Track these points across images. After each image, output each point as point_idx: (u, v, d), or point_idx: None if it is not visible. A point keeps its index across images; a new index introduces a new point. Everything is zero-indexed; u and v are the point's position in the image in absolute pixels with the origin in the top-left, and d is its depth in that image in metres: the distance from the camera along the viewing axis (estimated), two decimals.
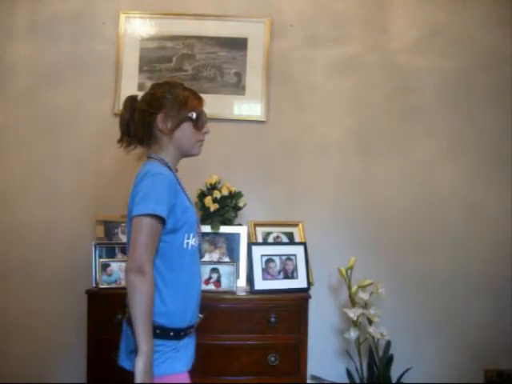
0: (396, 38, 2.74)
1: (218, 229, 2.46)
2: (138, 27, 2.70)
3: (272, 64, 2.70)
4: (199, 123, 1.61)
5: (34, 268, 2.60)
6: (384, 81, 2.72)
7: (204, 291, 2.23)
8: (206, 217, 2.48)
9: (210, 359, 2.15)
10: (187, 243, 1.53)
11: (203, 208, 2.49)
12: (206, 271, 2.28)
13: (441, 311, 2.64)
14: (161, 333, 1.46)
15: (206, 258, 2.42)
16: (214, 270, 2.29)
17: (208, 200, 2.46)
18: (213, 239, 2.46)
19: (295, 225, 2.58)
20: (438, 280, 2.66)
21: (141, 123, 1.59)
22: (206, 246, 2.46)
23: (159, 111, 1.56)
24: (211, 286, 2.26)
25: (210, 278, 2.28)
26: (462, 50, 2.73)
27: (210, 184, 2.52)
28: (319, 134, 2.71)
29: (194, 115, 1.59)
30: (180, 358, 1.50)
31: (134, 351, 1.38)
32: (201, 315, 1.61)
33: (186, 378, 1.50)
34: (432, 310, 2.65)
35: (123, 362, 1.52)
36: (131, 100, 1.65)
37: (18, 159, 2.66)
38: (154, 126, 1.57)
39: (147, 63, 2.68)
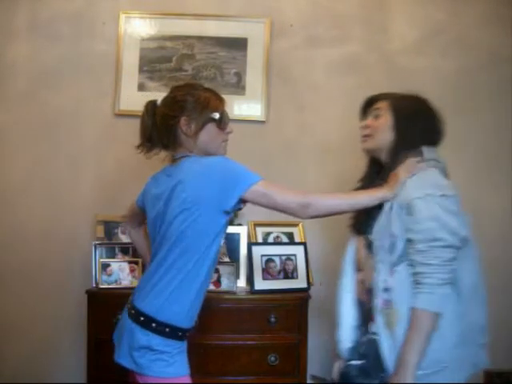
0: (396, 38, 2.74)
1: None
2: (138, 27, 2.70)
3: (272, 64, 2.70)
4: (222, 123, 1.60)
5: (34, 268, 2.60)
6: (384, 81, 2.72)
7: None
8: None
9: (210, 359, 2.15)
10: (219, 242, 1.53)
11: None
12: None
13: None
14: (170, 331, 1.46)
15: None
16: (214, 270, 2.29)
17: None
18: None
19: (295, 225, 2.58)
20: None
21: (164, 128, 1.58)
22: None
23: (182, 114, 1.55)
24: (211, 286, 2.26)
25: None
26: (462, 50, 2.73)
27: None
28: (319, 134, 2.71)
29: (217, 116, 1.58)
30: (186, 360, 1.51)
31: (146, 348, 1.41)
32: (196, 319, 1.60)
33: (190, 381, 1.50)
34: None
35: (122, 359, 1.51)
36: (152, 105, 1.64)
37: (18, 159, 2.66)
38: (178, 129, 1.56)
39: (147, 63, 2.68)
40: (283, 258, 2.34)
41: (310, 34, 2.73)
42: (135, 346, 1.46)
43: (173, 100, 1.59)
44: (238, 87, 2.69)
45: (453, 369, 1.43)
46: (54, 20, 2.69)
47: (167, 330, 1.45)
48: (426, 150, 1.58)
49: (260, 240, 2.52)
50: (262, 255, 2.32)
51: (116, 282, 2.28)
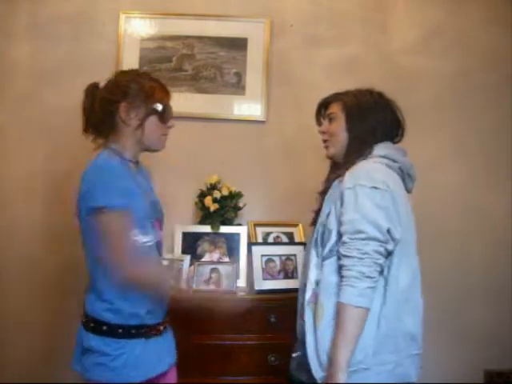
0: (396, 38, 2.74)
1: (218, 229, 2.46)
2: (138, 27, 2.70)
3: (272, 64, 2.70)
4: (165, 116, 1.53)
5: (34, 268, 2.60)
6: (384, 81, 2.69)
7: (204, 291, 2.24)
8: (206, 217, 2.48)
9: (209, 359, 2.15)
10: (135, 241, 1.45)
11: (203, 208, 2.49)
12: (206, 271, 2.28)
13: (441, 311, 2.64)
14: (107, 329, 1.44)
15: (206, 257, 2.42)
16: (214, 270, 2.29)
17: (208, 200, 2.46)
18: (213, 239, 2.47)
19: (295, 225, 2.57)
20: (438, 280, 2.66)
21: (102, 112, 1.50)
22: (206, 245, 2.46)
23: (122, 100, 1.48)
24: (211, 286, 2.26)
25: (210, 277, 2.28)
26: (461, 50, 2.73)
27: (210, 184, 2.52)
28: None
29: (160, 107, 1.51)
30: (137, 364, 1.45)
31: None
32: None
33: None
34: (432, 310, 2.62)
35: (74, 364, 1.51)
36: (92, 87, 1.56)
37: (18, 159, 2.66)
38: (116, 115, 1.49)
39: (147, 63, 2.68)
40: (283, 258, 2.34)
41: (310, 34, 2.73)
42: (81, 349, 1.46)
43: (115, 84, 1.52)
44: (238, 87, 2.69)
45: (373, 373, 1.37)
46: (54, 20, 2.69)
47: (104, 328, 1.42)
48: (378, 148, 1.54)
49: (260, 240, 2.52)
50: (262, 255, 2.32)
51: None
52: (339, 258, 1.39)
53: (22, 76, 2.69)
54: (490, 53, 2.71)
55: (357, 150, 1.54)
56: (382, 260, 1.37)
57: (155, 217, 1.55)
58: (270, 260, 2.33)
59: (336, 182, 1.52)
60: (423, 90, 2.72)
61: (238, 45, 2.69)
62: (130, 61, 2.67)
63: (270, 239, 2.54)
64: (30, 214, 2.62)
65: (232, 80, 2.69)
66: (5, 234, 2.63)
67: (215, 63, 2.69)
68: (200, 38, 2.69)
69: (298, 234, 2.55)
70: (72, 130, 2.66)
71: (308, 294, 1.46)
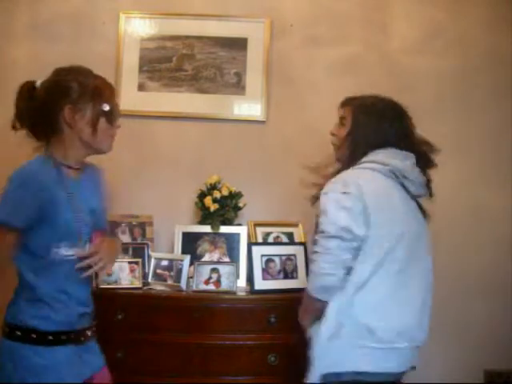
0: (396, 38, 2.74)
1: (218, 229, 2.46)
2: (138, 27, 2.70)
3: (272, 64, 2.70)
4: (112, 116, 1.44)
5: None
6: (384, 81, 2.72)
7: (204, 291, 2.25)
8: (206, 217, 2.48)
9: (209, 359, 2.15)
10: (56, 252, 1.38)
11: (203, 208, 2.49)
12: (206, 271, 2.29)
13: (441, 311, 2.63)
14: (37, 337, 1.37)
15: (206, 257, 2.42)
16: (214, 270, 2.29)
17: (208, 200, 2.46)
18: (213, 239, 2.46)
19: (295, 225, 2.57)
20: (438, 280, 2.65)
21: (42, 115, 1.40)
22: (206, 245, 2.46)
23: (65, 102, 1.38)
24: (211, 286, 2.27)
25: (209, 278, 2.28)
26: (462, 50, 2.72)
27: (210, 184, 2.52)
28: (319, 134, 2.70)
29: (107, 108, 1.42)
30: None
31: None
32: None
33: None
34: (432, 310, 2.64)
35: None
36: (29, 87, 1.45)
37: (18, 159, 2.66)
38: (60, 118, 1.39)
39: (147, 63, 2.68)
40: (283, 257, 2.34)
41: (310, 34, 2.73)
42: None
43: (56, 85, 1.41)
44: (238, 87, 2.69)
45: (320, 363, 1.52)
46: (54, 20, 2.69)
47: (34, 335, 1.38)
48: (374, 153, 1.60)
49: (260, 240, 2.52)
50: (262, 255, 2.32)
51: (116, 281, 2.28)
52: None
53: (22, 76, 2.66)
54: (490, 53, 2.71)
55: (356, 156, 1.61)
56: (346, 256, 1.48)
57: (91, 227, 1.48)
58: (270, 260, 2.33)
59: None
60: (423, 89, 2.72)
61: (238, 45, 2.69)
62: (130, 61, 2.67)
63: (270, 239, 2.54)
64: None
65: (232, 80, 2.69)
66: None
67: (215, 63, 2.69)
68: (200, 38, 2.69)
69: (298, 233, 2.55)
70: None
71: None
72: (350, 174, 1.57)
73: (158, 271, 2.34)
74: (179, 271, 2.29)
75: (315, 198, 1.66)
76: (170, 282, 2.31)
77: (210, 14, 2.70)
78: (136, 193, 2.65)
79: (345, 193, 1.50)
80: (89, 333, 1.51)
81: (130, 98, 2.65)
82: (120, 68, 2.67)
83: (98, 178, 1.60)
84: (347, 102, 1.71)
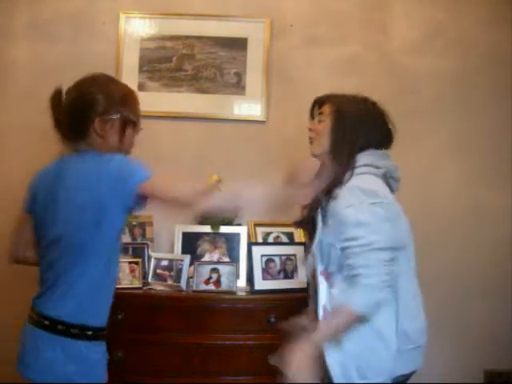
0: (396, 38, 2.74)
1: (218, 229, 2.46)
2: (138, 27, 2.70)
3: (272, 64, 2.70)
4: (138, 122, 1.49)
5: (34, 268, 2.60)
6: (384, 81, 2.72)
7: (204, 291, 2.25)
8: (206, 217, 2.48)
9: (210, 359, 2.15)
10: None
11: None
12: (206, 271, 2.29)
13: (441, 311, 2.64)
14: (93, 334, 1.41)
15: (206, 257, 2.42)
16: (214, 270, 2.29)
17: None
18: (213, 239, 2.46)
19: None
20: (438, 280, 2.66)
21: (73, 126, 1.45)
22: (206, 245, 2.46)
23: (94, 115, 1.41)
24: (211, 286, 2.27)
25: (209, 277, 2.28)
26: (462, 50, 2.73)
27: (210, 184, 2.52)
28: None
29: (133, 116, 1.47)
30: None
31: None
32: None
33: None
34: (432, 310, 2.63)
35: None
36: (57, 97, 1.50)
37: (18, 159, 2.66)
38: (90, 130, 1.43)
39: (147, 63, 2.68)
40: (283, 258, 2.34)
41: (310, 34, 2.73)
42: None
43: (81, 98, 1.43)
44: (238, 87, 2.69)
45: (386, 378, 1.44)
46: (54, 20, 2.69)
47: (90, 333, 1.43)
48: (361, 157, 1.56)
49: (260, 240, 2.52)
50: (262, 255, 2.32)
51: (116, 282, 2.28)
52: (352, 268, 1.41)
53: (22, 76, 2.69)
54: (490, 53, 2.71)
55: (340, 157, 1.57)
56: (393, 267, 1.41)
57: None
58: (270, 260, 2.33)
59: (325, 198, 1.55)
60: (423, 90, 2.72)
61: (238, 45, 2.69)
62: (130, 61, 2.68)
63: (270, 239, 2.54)
64: None
65: (232, 80, 2.69)
66: (4, 233, 2.62)
67: (215, 63, 2.69)
68: (200, 38, 2.69)
69: (298, 233, 2.55)
70: None
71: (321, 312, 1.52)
72: (365, 182, 1.50)
73: (158, 271, 2.34)
74: (179, 271, 2.29)
75: (302, 223, 1.67)
76: (170, 282, 2.31)
77: (210, 13, 2.70)
78: None
79: (373, 203, 1.44)
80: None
81: None
82: (120, 68, 2.67)
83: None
84: (328, 99, 1.67)
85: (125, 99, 1.46)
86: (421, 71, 2.72)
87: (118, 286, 2.24)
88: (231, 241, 2.47)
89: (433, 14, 2.74)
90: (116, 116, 1.43)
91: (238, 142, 2.70)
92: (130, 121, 1.46)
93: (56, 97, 1.50)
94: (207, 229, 2.47)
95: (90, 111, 1.41)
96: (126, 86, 1.51)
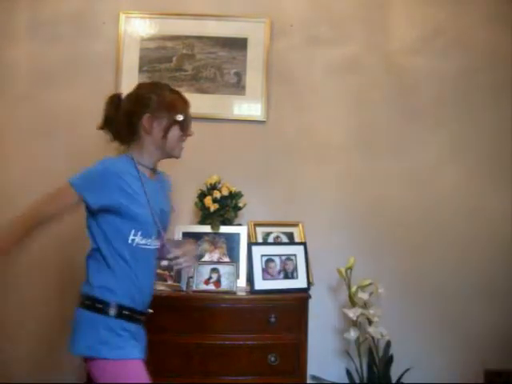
0: (396, 38, 2.74)
1: (218, 229, 2.46)
2: (138, 27, 2.70)
3: (272, 64, 2.70)
4: (185, 126, 1.63)
5: (34, 267, 2.60)
6: (384, 81, 2.72)
7: (204, 291, 2.25)
8: (206, 217, 2.48)
9: (210, 359, 2.15)
10: (132, 240, 1.55)
11: (203, 208, 2.49)
12: (206, 271, 2.29)
13: (441, 311, 2.64)
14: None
15: (206, 257, 2.42)
16: (214, 270, 2.29)
17: (208, 200, 2.46)
18: (213, 239, 2.46)
19: (295, 225, 2.57)
20: (439, 280, 2.66)
21: (125, 122, 1.61)
22: (206, 245, 2.46)
23: (145, 111, 1.58)
24: (211, 286, 2.27)
25: (210, 277, 2.28)
26: (462, 50, 2.72)
27: (210, 184, 2.52)
28: (319, 134, 2.71)
29: (181, 118, 1.60)
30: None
31: None
32: (150, 310, 1.69)
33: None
34: (432, 310, 2.65)
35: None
36: (116, 98, 1.66)
37: (18, 159, 2.66)
38: (139, 125, 1.58)
39: (147, 63, 2.68)
40: (283, 258, 2.34)
41: (310, 34, 2.73)
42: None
43: (137, 97, 1.61)
44: (238, 87, 2.69)
45: None
46: (54, 20, 2.69)
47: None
48: None
49: (260, 240, 2.52)
50: (262, 255, 2.32)
51: None
52: None
53: (22, 76, 2.69)
54: (491, 52, 2.71)
55: None
56: None
57: (160, 225, 1.62)
58: (269, 260, 2.33)
59: None
60: (423, 89, 2.72)
61: (238, 45, 2.69)
62: (130, 61, 2.67)
63: (270, 239, 2.54)
64: None
65: (232, 80, 2.69)
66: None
67: (215, 63, 2.69)
68: (200, 38, 2.69)
69: (298, 233, 2.55)
70: (72, 129, 2.68)
71: None
72: None
73: (158, 271, 2.34)
74: (179, 271, 2.29)
75: None
76: (170, 282, 2.31)
77: (210, 13, 2.70)
78: None
79: None
80: (143, 318, 1.65)
81: None
82: (120, 68, 2.67)
83: (168, 183, 1.79)
84: None
85: (175, 103, 1.61)
86: (421, 71, 2.72)
87: None
88: (231, 241, 2.46)
89: (433, 14, 2.74)
90: (163, 115, 1.58)
91: (238, 142, 2.70)
92: (176, 122, 1.60)
93: (115, 97, 1.67)
94: (207, 229, 2.47)
95: (141, 107, 1.58)
96: (178, 93, 1.65)
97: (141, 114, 1.57)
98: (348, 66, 2.72)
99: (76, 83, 2.69)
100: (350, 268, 2.42)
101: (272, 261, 2.33)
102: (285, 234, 2.56)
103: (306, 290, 2.32)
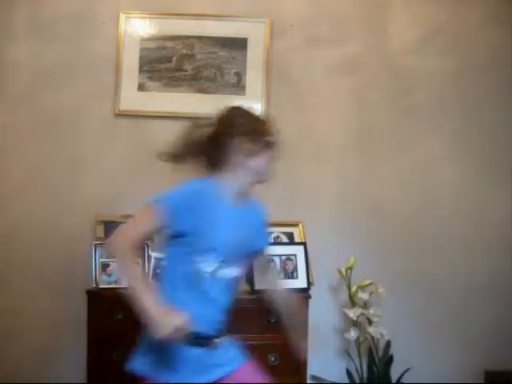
0: (396, 38, 2.74)
1: None
2: (138, 27, 2.70)
3: (272, 64, 2.70)
4: (275, 148, 1.61)
5: (34, 268, 2.60)
6: (384, 81, 2.72)
7: None
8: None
9: None
10: (196, 266, 1.48)
11: None
12: None
13: (441, 311, 2.64)
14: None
15: None
16: None
17: None
18: None
19: (295, 225, 2.57)
20: (439, 280, 2.66)
21: (216, 145, 1.57)
22: None
23: (237, 134, 1.55)
24: None
25: None
26: (462, 50, 2.73)
27: None
28: (319, 134, 2.71)
29: (273, 141, 1.60)
30: None
31: None
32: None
33: None
34: (432, 310, 2.65)
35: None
36: (205, 122, 1.63)
37: (18, 159, 2.66)
38: (231, 148, 1.55)
39: (147, 63, 2.68)
40: (283, 258, 2.34)
41: (310, 34, 2.73)
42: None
43: (229, 120, 1.60)
44: (238, 87, 2.69)
45: None
46: (54, 20, 2.69)
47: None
48: None
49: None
50: None
51: (116, 281, 2.28)
52: None
53: (22, 76, 2.69)
54: (491, 52, 2.71)
55: None
56: None
57: (241, 253, 1.57)
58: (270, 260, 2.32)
59: None
60: (423, 90, 2.72)
61: (238, 45, 2.69)
62: (130, 61, 2.67)
63: (270, 239, 2.54)
64: (30, 213, 2.62)
65: (232, 80, 2.69)
66: (4, 233, 2.63)
67: (215, 63, 2.69)
68: (200, 38, 2.69)
69: (298, 233, 2.55)
70: (72, 129, 2.68)
71: None
72: None
73: (158, 271, 2.33)
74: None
75: None
76: None
77: (210, 13, 2.70)
78: (136, 193, 2.64)
79: None
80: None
81: (130, 97, 2.65)
82: (120, 68, 2.67)
83: (260, 211, 1.75)
84: None
85: (266, 127, 1.60)
86: (421, 71, 2.72)
87: (118, 286, 2.27)
88: None
89: (433, 14, 2.74)
90: (255, 138, 1.56)
91: None
92: (267, 146, 1.57)
93: (202, 121, 1.64)
94: None
95: (234, 130, 1.56)
96: (268, 120, 1.65)
97: (233, 136, 1.55)
98: (348, 65, 2.72)
99: (76, 83, 2.69)
100: (350, 268, 2.42)
101: (272, 261, 2.33)
102: (285, 233, 2.56)
103: (306, 290, 2.32)
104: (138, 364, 1.51)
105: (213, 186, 1.55)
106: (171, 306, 1.37)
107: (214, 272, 1.50)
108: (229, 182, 1.56)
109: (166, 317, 1.31)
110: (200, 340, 1.50)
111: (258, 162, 1.56)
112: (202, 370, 1.50)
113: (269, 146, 1.58)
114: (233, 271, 1.54)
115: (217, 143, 1.57)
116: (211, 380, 1.51)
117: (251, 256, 1.67)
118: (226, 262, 1.51)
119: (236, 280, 1.58)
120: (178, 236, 1.48)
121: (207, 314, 1.53)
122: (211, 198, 1.52)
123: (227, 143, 1.55)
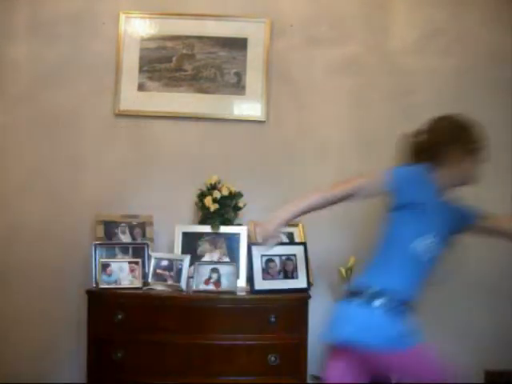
0: (396, 38, 2.74)
1: (218, 229, 2.46)
2: (138, 27, 2.70)
3: (272, 64, 2.70)
4: (482, 154, 1.70)
5: (34, 268, 2.60)
6: (384, 81, 2.72)
7: (204, 291, 2.25)
8: (206, 217, 2.48)
9: (210, 359, 2.15)
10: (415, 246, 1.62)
11: (203, 208, 2.49)
12: (206, 271, 2.29)
13: (441, 311, 2.64)
14: None
15: (206, 257, 2.42)
16: (214, 270, 2.29)
17: (208, 200, 2.46)
18: (213, 239, 2.46)
19: (295, 225, 2.57)
20: (439, 280, 2.65)
21: (429, 155, 1.68)
22: (206, 245, 2.46)
23: (453, 144, 1.66)
24: (211, 286, 2.26)
25: (210, 278, 2.28)
26: (462, 50, 2.72)
27: (210, 184, 2.52)
28: (319, 134, 2.71)
29: (480, 147, 1.69)
30: None
31: None
32: None
33: None
34: (432, 310, 2.64)
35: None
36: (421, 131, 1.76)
37: (18, 159, 2.66)
38: (443, 157, 1.67)
39: (147, 63, 2.68)
40: (283, 258, 2.34)
41: (310, 34, 2.73)
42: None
43: (445, 130, 1.70)
44: (238, 87, 2.69)
45: None
46: (54, 20, 2.69)
47: None
48: None
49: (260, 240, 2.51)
50: (262, 255, 2.32)
51: (116, 281, 2.28)
52: None
53: (22, 76, 2.69)
54: (491, 52, 2.71)
55: None
56: None
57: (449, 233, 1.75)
58: (270, 260, 2.33)
59: None
60: (424, 90, 2.72)
61: (238, 45, 2.69)
62: (130, 61, 2.68)
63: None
64: (30, 213, 2.62)
65: (232, 80, 2.69)
66: (4, 233, 2.63)
67: (215, 63, 2.69)
68: (200, 38, 2.69)
69: (298, 233, 2.55)
70: (72, 129, 2.68)
71: None
72: None
73: (158, 271, 2.34)
74: (179, 271, 2.29)
75: None
76: (170, 282, 2.31)
77: (210, 13, 2.70)
78: (136, 193, 2.65)
79: None
80: None
81: (130, 97, 2.65)
82: (120, 68, 2.67)
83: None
84: None
85: (473, 134, 1.69)
86: (421, 71, 2.71)
87: (118, 286, 2.27)
88: (231, 241, 2.47)
89: (433, 14, 2.74)
90: (470, 148, 1.68)
91: (238, 142, 2.70)
92: (476, 153, 1.69)
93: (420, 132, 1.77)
94: (207, 229, 2.47)
95: (451, 141, 1.68)
96: (475, 124, 1.72)
97: (449, 146, 1.66)
98: (348, 66, 2.72)
99: (76, 83, 2.69)
100: (350, 268, 2.42)
101: (272, 261, 2.33)
102: (285, 233, 2.56)
103: (306, 290, 2.32)
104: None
105: (428, 174, 1.67)
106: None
107: (425, 247, 1.64)
108: (438, 179, 1.69)
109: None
110: (400, 307, 1.62)
111: (465, 167, 1.69)
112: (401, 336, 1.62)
113: (476, 151, 1.68)
114: (439, 249, 1.68)
115: (429, 153, 1.69)
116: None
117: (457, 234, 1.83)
118: (436, 239, 1.65)
119: (437, 260, 1.72)
120: (401, 207, 1.66)
121: (408, 284, 1.67)
122: (429, 183, 1.66)
123: (438, 151, 1.67)
